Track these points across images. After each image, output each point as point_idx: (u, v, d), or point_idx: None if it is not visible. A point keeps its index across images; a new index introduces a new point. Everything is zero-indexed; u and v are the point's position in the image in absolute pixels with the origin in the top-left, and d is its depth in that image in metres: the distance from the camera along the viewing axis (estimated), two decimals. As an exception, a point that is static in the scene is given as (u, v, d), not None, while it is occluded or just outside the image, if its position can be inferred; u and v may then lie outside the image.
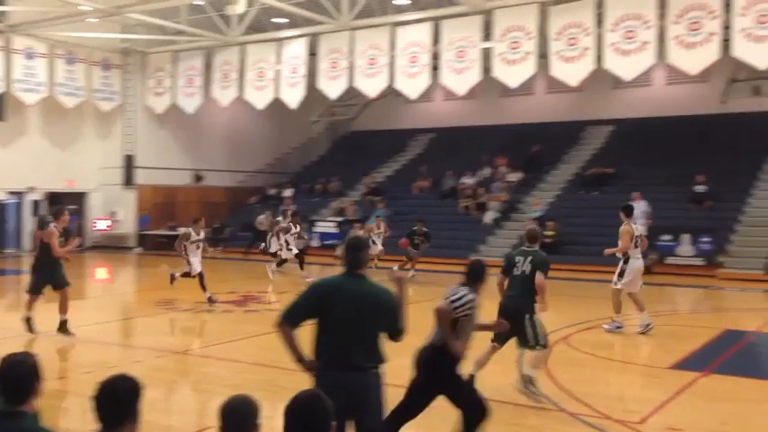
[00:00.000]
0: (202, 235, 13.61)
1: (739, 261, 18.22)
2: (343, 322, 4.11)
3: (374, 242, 18.86)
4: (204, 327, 11.82)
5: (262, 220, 23.73)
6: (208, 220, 26.26)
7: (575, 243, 20.17)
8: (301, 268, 17.35)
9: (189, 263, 13.25)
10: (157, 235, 25.97)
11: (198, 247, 13.31)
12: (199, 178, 27.88)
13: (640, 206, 19.93)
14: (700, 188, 20.87)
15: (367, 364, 4.14)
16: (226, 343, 9.88)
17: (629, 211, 10.68)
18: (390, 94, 24.13)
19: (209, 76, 24.44)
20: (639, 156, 23.49)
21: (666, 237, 19.21)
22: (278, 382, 7.94)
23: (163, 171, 26.28)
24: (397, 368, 4.73)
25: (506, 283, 7.28)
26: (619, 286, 10.59)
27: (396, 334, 4.29)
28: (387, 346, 4.30)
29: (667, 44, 17.21)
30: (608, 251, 10.76)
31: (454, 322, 5.26)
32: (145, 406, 3.10)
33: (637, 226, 10.89)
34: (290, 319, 4.22)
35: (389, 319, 4.24)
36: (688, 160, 21.95)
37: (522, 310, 6.98)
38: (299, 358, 4.27)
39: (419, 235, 18.02)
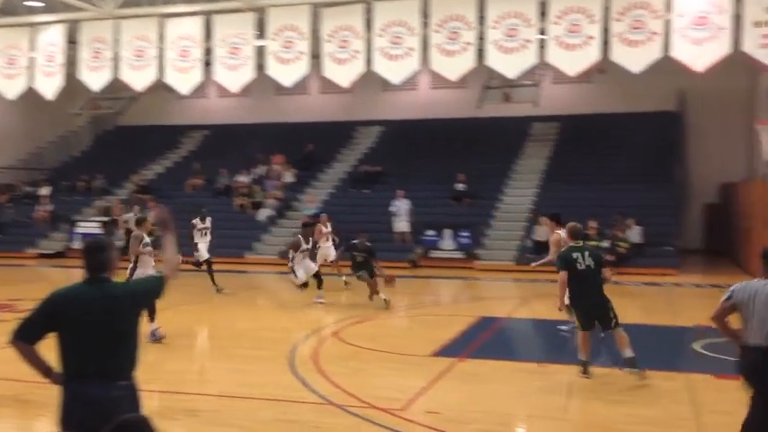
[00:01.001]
0: None
1: (493, 253, 19.94)
2: (86, 333, 3.81)
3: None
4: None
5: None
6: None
7: (348, 239, 20.77)
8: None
9: None
10: None
11: None
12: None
13: (403, 204, 21.10)
14: (460, 186, 22.50)
15: (114, 376, 3.86)
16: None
17: (559, 219, 10.22)
18: (161, 88, 23.18)
19: (-51, 60, 21.86)
20: (407, 155, 24.78)
21: (431, 232, 20.50)
22: (24, 396, 7.35)
23: None
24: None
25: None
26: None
27: (156, 296, 4.20)
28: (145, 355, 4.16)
29: (430, 51, 18.31)
30: (536, 264, 10.96)
31: None
32: None
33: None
34: (24, 337, 3.86)
35: (141, 304, 4.12)
36: (450, 160, 23.54)
37: (605, 297, 8.09)
38: (45, 372, 3.95)
39: (360, 251, 13.37)
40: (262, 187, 24.24)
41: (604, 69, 20.08)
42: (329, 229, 16.02)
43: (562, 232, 9.60)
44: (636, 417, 6.70)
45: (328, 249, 15.56)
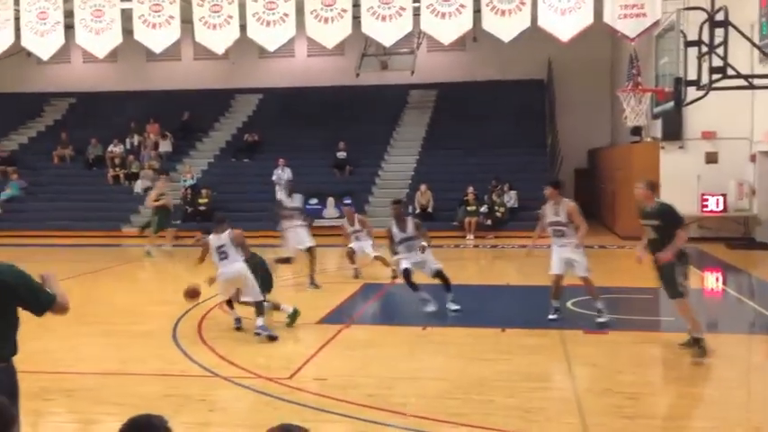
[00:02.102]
0: None
1: (376, 221, 20.11)
2: None
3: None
4: None
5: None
6: None
7: (228, 210, 20.42)
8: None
9: None
10: None
11: None
12: None
13: (285, 173, 20.94)
14: (341, 154, 22.54)
15: None
16: None
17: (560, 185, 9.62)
18: (20, 52, 21.69)
19: None
20: (287, 124, 24.53)
21: (314, 200, 20.45)
22: None
23: None
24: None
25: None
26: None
27: (38, 308, 3.94)
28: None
29: (306, 17, 18.09)
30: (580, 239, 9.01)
31: None
32: None
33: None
34: None
35: (19, 297, 3.85)
36: (330, 129, 23.51)
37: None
38: None
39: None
40: (136, 158, 23.32)
41: (477, 38, 20.60)
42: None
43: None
44: (514, 374, 7.04)
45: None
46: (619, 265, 14.04)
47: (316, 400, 6.24)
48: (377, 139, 23.68)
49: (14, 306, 3.87)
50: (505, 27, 16.20)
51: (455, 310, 9.65)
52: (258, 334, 8.35)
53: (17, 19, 18.87)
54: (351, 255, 13.26)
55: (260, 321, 8.42)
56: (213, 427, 5.77)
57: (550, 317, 9.08)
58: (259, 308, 8.53)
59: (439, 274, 9.79)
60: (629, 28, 14.19)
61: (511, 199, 20.03)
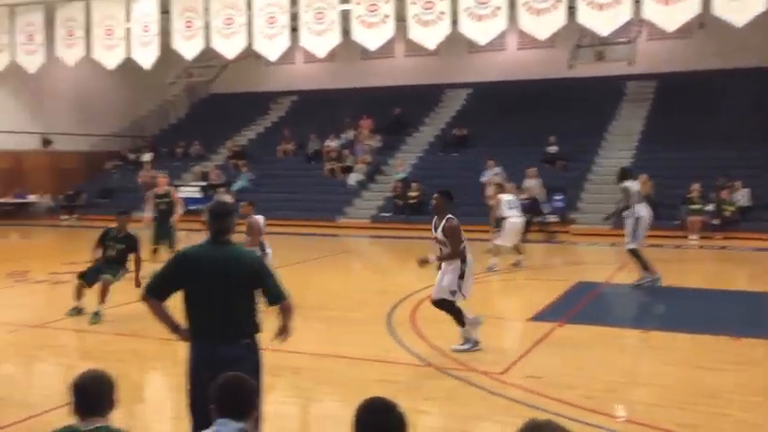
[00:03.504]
0: None
1: (589, 217, 19.42)
2: (209, 292, 3.96)
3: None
4: (61, 298, 11.18)
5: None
6: (62, 186, 24.96)
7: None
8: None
9: None
10: (3, 203, 24.31)
11: None
12: (47, 142, 26.12)
13: (495, 172, 20.79)
14: (552, 149, 21.99)
15: (234, 335, 3.98)
16: (85, 314, 9.42)
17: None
18: (250, 55, 23.53)
19: (52, 33, 22.79)
20: (496, 118, 24.37)
21: (523, 196, 20.09)
22: (142, 351, 7.71)
23: (4, 135, 24.41)
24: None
25: None
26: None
27: (273, 299, 4.18)
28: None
29: (518, 9, 17.83)
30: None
31: None
32: (1, 382, 2.93)
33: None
34: (153, 292, 4.09)
35: (260, 283, 4.11)
36: (540, 122, 23.01)
37: None
38: (174, 328, 4.13)
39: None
40: (351, 152, 24.39)
41: (704, 24, 19.10)
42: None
43: None
44: (742, 387, 6.41)
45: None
46: None
47: (530, 397, 6.10)
48: (590, 133, 22.82)
49: (255, 289, 4.15)
50: (739, 11, 14.88)
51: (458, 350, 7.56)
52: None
53: (249, 24, 20.42)
54: None
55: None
56: (429, 416, 5.84)
57: None
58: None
59: (436, 304, 7.61)
60: None
61: (743, 197, 18.37)
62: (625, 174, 11.57)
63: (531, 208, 17.52)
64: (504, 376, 6.73)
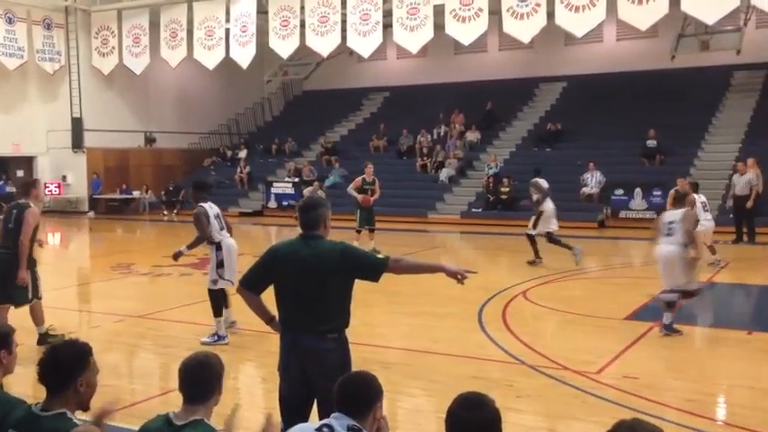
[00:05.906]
0: None
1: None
2: (295, 286, 4.01)
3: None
4: (163, 290, 11.70)
5: None
6: (162, 182, 26.05)
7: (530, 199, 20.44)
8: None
9: None
10: (110, 199, 25.57)
11: None
12: (151, 140, 27.32)
13: (596, 176, 20.30)
14: (651, 143, 21.26)
15: (322, 328, 3.99)
16: (185, 306, 9.79)
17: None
18: (343, 52, 23.84)
19: (157, 34, 23.79)
20: (592, 112, 23.77)
21: (619, 191, 19.59)
22: (239, 342, 7.95)
23: (113, 133, 25.68)
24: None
25: None
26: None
27: (374, 271, 4.09)
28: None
29: (618, 0, 17.30)
30: None
31: None
32: (107, 370, 3.07)
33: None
34: (248, 284, 4.17)
35: (353, 265, 4.06)
36: (639, 115, 22.28)
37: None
38: (269, 320, 4.25)
39: None
40: (443, 147, 24.33)
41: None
42: None
43: None
44: None
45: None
46: None
47: (626, 398, 5.93)
48: (692, 126, 21.91)
49: (347, 280, 4.11)
50: None
51: None
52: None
53: (343, 22, 20.69)
54: None
55: (666, 319, 7.96)
56: (522, 414, 5.76)
57: None
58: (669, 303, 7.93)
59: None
60: None
61: None
62: None
63: None
64: (599, 376, 6.56)
